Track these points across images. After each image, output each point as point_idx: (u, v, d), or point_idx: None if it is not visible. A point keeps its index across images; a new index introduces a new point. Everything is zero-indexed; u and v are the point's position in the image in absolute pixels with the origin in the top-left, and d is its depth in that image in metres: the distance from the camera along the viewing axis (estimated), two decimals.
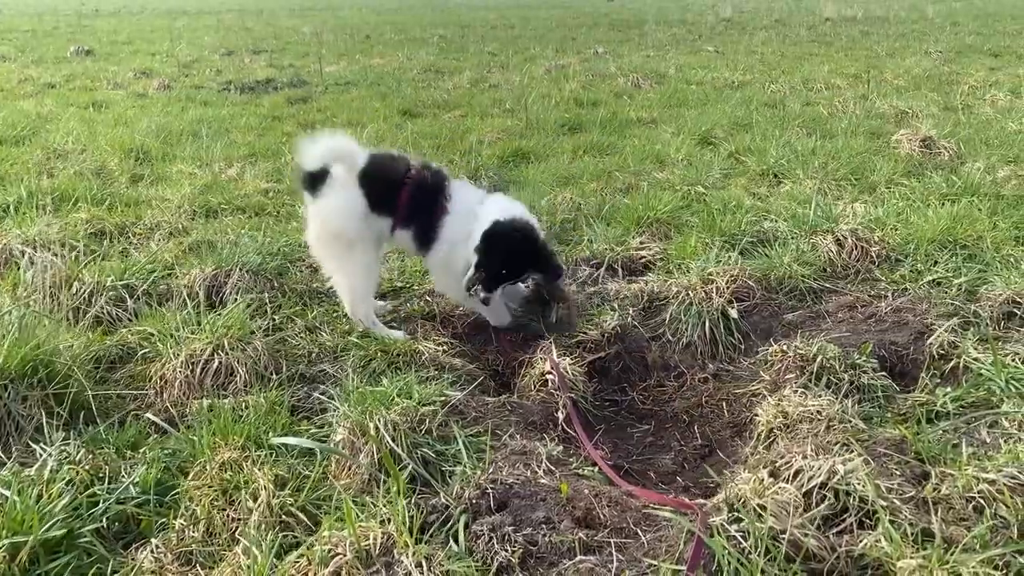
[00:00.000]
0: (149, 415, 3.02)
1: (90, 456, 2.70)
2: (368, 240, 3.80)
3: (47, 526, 2.32)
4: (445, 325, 4.07)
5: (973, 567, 2.02)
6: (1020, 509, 2.32)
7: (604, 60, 14.71)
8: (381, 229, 3.82)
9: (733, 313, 3.94)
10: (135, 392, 3.30)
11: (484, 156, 6.94)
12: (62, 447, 2.74)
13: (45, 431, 2.87)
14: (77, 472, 2.58)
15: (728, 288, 4.07)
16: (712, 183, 6.15)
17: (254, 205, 5.83)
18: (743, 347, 3.87)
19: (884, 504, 2.30)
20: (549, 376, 3.44)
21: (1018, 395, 2.93)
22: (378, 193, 3.73)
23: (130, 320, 3.87)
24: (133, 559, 2.36)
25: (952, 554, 2.08)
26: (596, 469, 2.87)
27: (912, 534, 2.22)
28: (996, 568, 2.04)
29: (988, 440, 2.76)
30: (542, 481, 2.63)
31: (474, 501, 2.49)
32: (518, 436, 3.02)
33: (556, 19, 27.78)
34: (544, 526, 2.40)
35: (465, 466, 2.70)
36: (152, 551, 2.38)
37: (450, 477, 2.69)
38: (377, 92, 11.35)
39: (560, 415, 3.25)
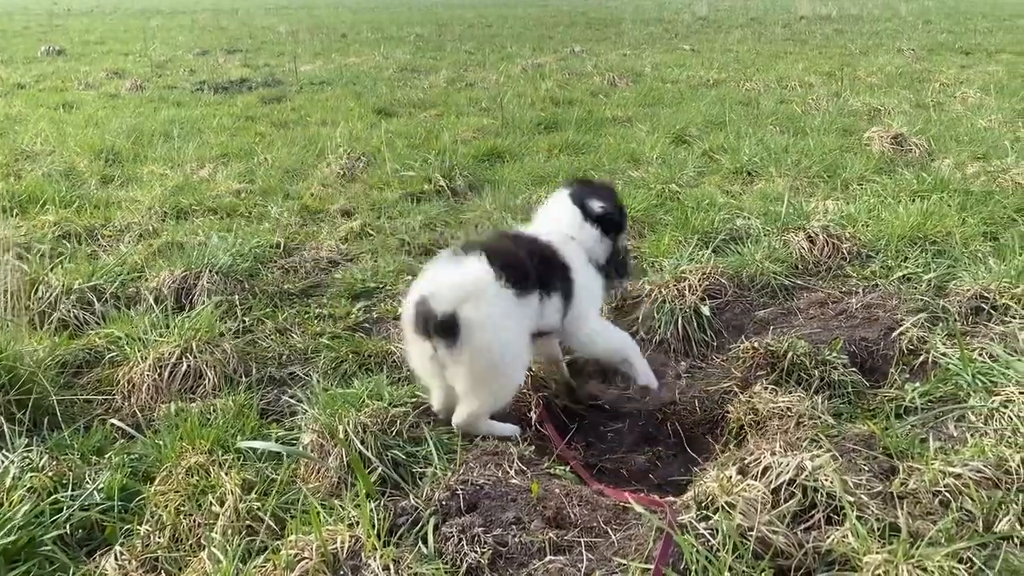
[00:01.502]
0: (114, 420, 2.98)
1: (54, 462, 2.66)
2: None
3: (6, 533, 2.28)
4: None
5: (938, 561, 2.03)
6: (985, 503, 2.34)
7: (581, 59, 14.73)
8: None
9: (705, 311, 3.95)
10: (102, 397, 3.26)
11: (459, 155, 6.92)
12: (25, 453, 2.69)
13: (7, 437, 2.82)
14: (40, 479, 2.54)
15: (701, 286, 4.08)
16: (686, 181, 6.17)
17: (226, 206, 5.77)
18: (716, 344, 3.88)
19: (851, 500, 2.31)
20: None
21: (984, 389, 2.96)
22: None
23: (97, 323, 3.81)
24: (97, 566, 2.33)
25: (918, 548, 2.09)
26: (568, 468, 2.87)
27: (879, 529, 2.23)
28: (961, 562, 2.06)
29: (955, 434, 2.79)
30: (513, 481, 2.62)
31: (444, 503, 2.48)
32: (490, 436, 3.01)
33: (533, 18, 27.79)
34: (514, 526, 2.39)
35: (436, 467, 2.69)
36: (116, 558, 2.35)
37: (420, 479, 2.67)
38: (352, 91, 11.28)
39: (533, 414, 3.24)
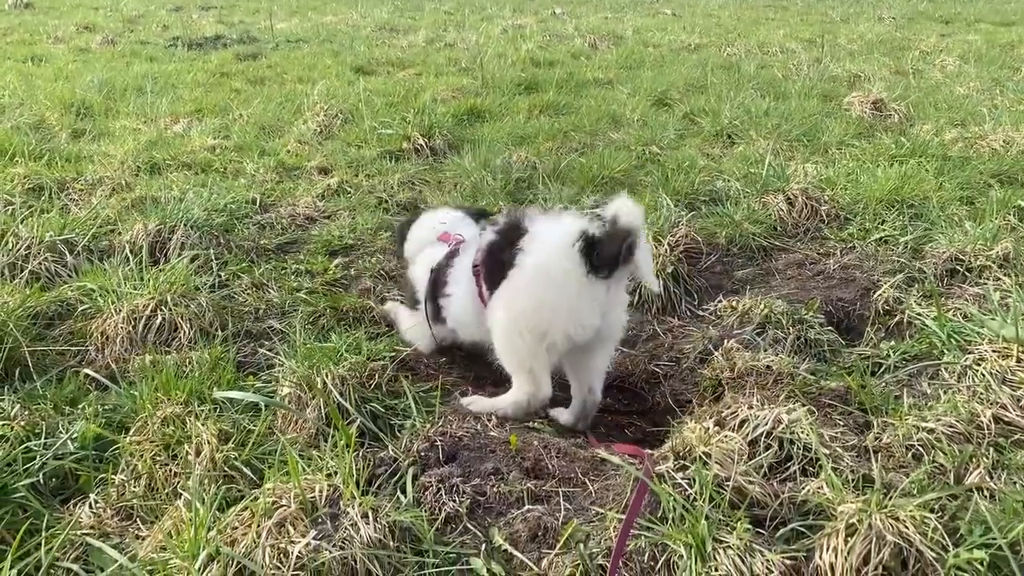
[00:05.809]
0: (88, 371, 2.93)
1: (26, 412, 2.62)
2: None
3: None
4: (398, 282, 4.01)
5: (910, 511, 2.06)
6: (957, 456, 2.38)
7: (562, 21, 14.57)
8: None
9: (684, 271, 3.96)
10: (75, 348, 3.21)
11: (438, 114, 6.83)
12: None
13: None
14: (12, 427, 2.51)
15: (681, 246, 4.08)
16: (667, 143, 6.14)
17: (200, 161, 5.67)
18: (695, 303, 3.89)
19: (827, 452, 2.34)
20: None
21: (958, 347, 2.99)
22: None
23: (70, 276, 3.74)
24: (71, 514, 2.31)
25: (891, 499, 2.12)
26: (545, 421, 2.88)
27: (853, 480, 2.27)
28: (932, 511, 2.09)
29: (928, 391, 2.82)
30: (492, 434, 2.63)
31: (423, 453, 2.48)
32: (470, 391, 3.00)
33: None
34: (493, 477, 2.40)
35: (415, 420, 2.68)
36: (91, 506, 2.33)
37: (399, 431, 2.67)
38: (329, 49, 11.08)
39: None
